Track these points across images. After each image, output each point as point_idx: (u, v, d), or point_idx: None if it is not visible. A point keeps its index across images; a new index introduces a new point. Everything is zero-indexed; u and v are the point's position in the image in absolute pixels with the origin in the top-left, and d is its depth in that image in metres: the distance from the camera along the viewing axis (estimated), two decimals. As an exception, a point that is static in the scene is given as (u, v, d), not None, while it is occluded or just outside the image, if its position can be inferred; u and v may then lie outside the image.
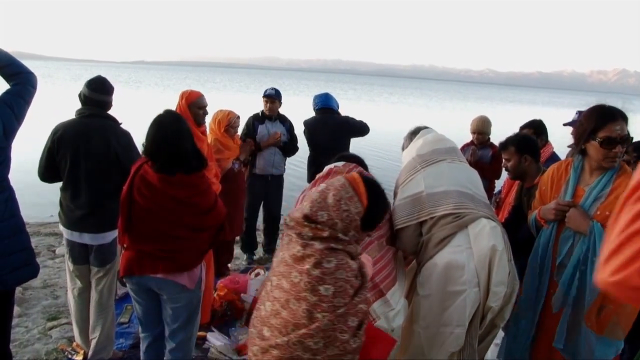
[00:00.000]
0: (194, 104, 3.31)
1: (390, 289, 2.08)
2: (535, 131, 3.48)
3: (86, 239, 2.80)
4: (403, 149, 2.76)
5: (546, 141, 3.54)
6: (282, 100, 4.82)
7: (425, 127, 2.76)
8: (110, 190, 2.72)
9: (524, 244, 2.43)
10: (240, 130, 4.55)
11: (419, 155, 2.51)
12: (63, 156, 2.74)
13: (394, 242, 2.43)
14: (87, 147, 2.71)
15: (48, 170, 2.79)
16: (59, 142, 2.72)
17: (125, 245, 2.32)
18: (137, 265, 2.28)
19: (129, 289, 2.44)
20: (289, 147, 4.78)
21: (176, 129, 2.25)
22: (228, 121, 4.13)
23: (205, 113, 3.43)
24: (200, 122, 3.36)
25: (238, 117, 4.24)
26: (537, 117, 3.71)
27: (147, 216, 2.23)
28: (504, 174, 3.29)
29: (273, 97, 4.71)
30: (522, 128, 3.55)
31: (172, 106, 3.07)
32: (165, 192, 2.21)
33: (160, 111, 2.31)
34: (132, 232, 2.27)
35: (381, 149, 11.84)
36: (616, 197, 2.04)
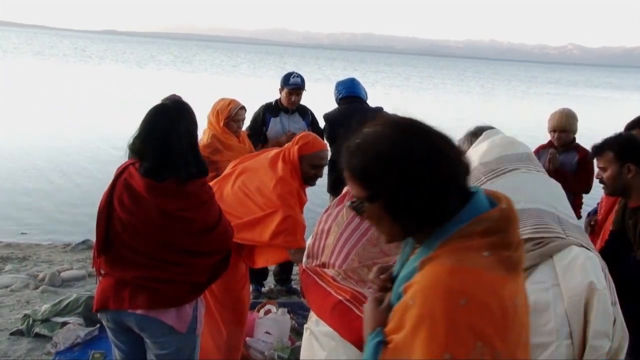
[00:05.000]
0: (311, 158, 2.97)
1: None
2: None
3: None
4: None
5: None
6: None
7: (490, 127, 2.76)
8: None
9: (631, 284, 2.39)
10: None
11: (483, 163, 2.49)
12: None
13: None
14: None
15: None
16: None
17: (102, 272, 2.36)
18: (114, 297, 2.30)
19: (107, 328, 2.46)
20: None
21: (175, 119, 2.25)
22: (228, 112, 4.18)
23: (319, 176, 3.12)
24: (310, 183, 3.09)
25: (242, 107, 4.28)
26: None
27: (128, 234, 2.25)
28: (597, 188, 3.24)
29: (300, 88, 4.72)
30: (629, 127, 3.50)
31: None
32: (151, 203, 2.21)
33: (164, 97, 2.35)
34: (110, 255, 2.30)
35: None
36: None
